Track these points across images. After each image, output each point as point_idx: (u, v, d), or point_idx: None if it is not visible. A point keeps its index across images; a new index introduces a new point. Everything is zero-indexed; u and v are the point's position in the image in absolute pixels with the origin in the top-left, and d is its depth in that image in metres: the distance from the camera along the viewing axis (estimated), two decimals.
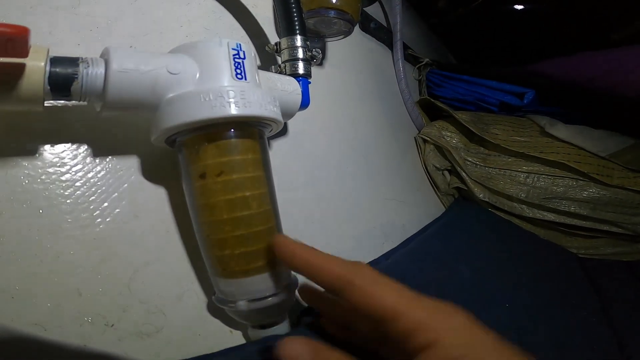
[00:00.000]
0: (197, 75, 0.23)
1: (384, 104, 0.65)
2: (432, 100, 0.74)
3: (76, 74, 0.20)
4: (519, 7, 1.14)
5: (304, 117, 0.42)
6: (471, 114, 0.72)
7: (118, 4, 0.30)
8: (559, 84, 0.72)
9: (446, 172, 0.70)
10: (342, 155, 0.49)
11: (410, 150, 0.68)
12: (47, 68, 0.19)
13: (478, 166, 0.66)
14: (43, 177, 0.23)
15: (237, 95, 0.23)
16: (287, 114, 0.33)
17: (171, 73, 0.23)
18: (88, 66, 0.21)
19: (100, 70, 0.21)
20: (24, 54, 0.18)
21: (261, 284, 0.24)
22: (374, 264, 0.46)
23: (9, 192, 0.21)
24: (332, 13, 0.41)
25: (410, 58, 0.80)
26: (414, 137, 0.70)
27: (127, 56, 0.22)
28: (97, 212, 0.24)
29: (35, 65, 0.19)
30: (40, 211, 0.22)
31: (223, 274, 0.24)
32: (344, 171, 0.48)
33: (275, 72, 0.35)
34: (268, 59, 0.41)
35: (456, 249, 0.51)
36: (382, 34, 0.70)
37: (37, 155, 0.23)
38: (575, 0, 1.09)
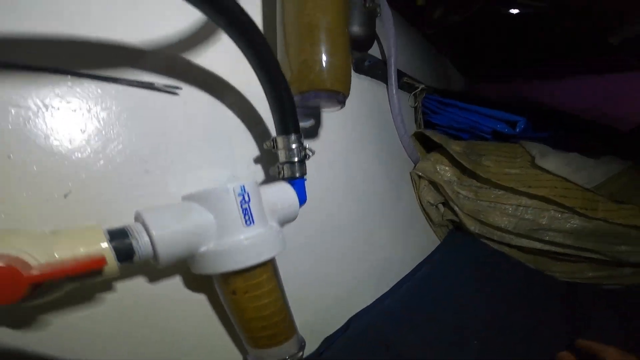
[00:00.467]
0: (215, 229, 0.29)
1: (381, 142, 0.68)
2: (427, 134, 0.77)
3: (132, 249, 0.25)
4: (514, 11, 1.13)
5: None
6: (465, 144, 0.75)
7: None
8: (550, 112, 0.74)
9: (440, 205, 0.74)
10: (338, 201, 0.54)
11: (406, 186, 0.72)
12: (113, 254, 0.24)
13: (470, 199, 0.70)
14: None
15: (251, 248, 0.29)
16: (289, 221, 0.37)
17: (197, 233, 0.28)
18: (137, 239, 0.25)
19: (146, 238, 0.26)
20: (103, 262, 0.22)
21: (281, 351, 0.33)
22: (370, 308, 0.52)
23: None
24: (323, 96, 0.44)
25: (406, 86, 0.82)
26: (410, 173, 0.74)
27: (159, 218, 0.27)
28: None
29: (109, 258, 0.23)
30: None
31: (255, 347, 0.33)
32: (340, 218, 0.53)
33: (274, 173, 0.39)
34: (268, 153, 0.43)
35: (445, 291, 0.57)
36: (376, 69, 0.72)
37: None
38: (572, 4, 1.07)
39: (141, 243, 0.25)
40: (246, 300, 0.31)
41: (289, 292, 0.35)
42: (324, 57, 0.39)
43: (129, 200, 0.30)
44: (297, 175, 0.38)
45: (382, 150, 0.68)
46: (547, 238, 0.67)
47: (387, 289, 0.56)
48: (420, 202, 0.72)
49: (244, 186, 0.30)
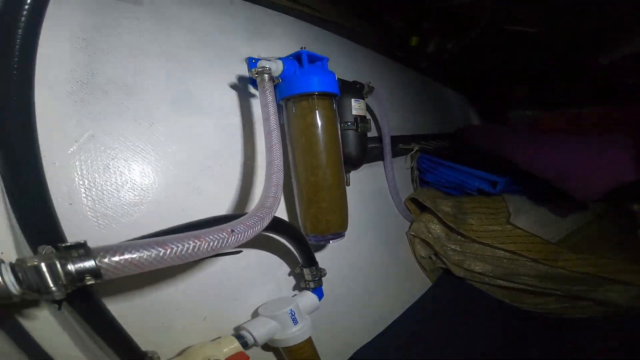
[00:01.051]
0: (280, 328, 0.53)
1: (380, 214, 0.87)
2: (419, 199, 0.94)
3: (247, 343, 0.48)
4: (502, 41, 1.22)
5: None
6: (453, 203, 0.92)
7: None
8: (526, 172, 0.88)
9: (432, 256, 0.92)
10: (349, 273, 0.75)
11: (402, 244, 0.91)
12: (241, 346, 0.47)
13: (456, 251, 0.88)
14: None
15: (299, 335, 0.54)
16: (314, 311, 0.60)
17: (272, 332, 0.52)
18: (249, 338, 0.49)
19: (251, 337, 0.50)
20: None
21: None
22: (367, 346, 0.73)
23: None
24: (330, 237, 0.62)
25: (402, 150, 0.98)
26: (406, 233, 0.92)
27: (254, 326, 0.50)
28: None
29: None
30: None
31: None
32: (351, 280, 0.74)
33: (303, 285, 0.61)
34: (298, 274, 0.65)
35: (433, 331, 0.78)
36: (373, 152, 0.89)
37: None
38: (564, 25, 1.14)
39: (250, 338, 0.50)
40: (294, 354, 0.55)
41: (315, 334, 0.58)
42: (327, 212, 0.58)
43: (227, 313, 0.53)
44: (316, 286, 0.60)
45: (382, 221, 0.87)
46: (519, 280, 0.84)
47: (384, 327, 0.77)
48: (415, 256, 0.91)
49: (292, 309, 0.53)
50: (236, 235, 0.31)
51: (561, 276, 0.81)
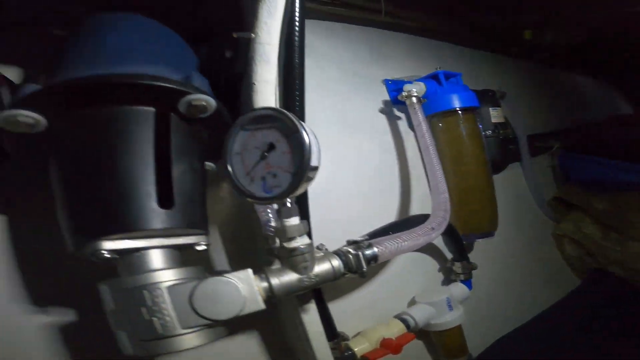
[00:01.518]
0: (436, 313, 0.63)
1: (522, 219, 0.87)
2: (565, 198, 0.90)
3: (409, 325, 0.61)
4: None
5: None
6: (608, 200, 0.85)
7: None
8: None
9: (584, 256, 0.87)
10: (500, 277, 0.79)
11: (548, 244, 0.89)
12: (406, 329, 0.61)
13: (616, 251, 0.82)
14: None
15: (454, 320, 0.63)
16: (465, 300, 0.67)
17: (430, 316, 0.62)
18: (411, 321, 0.61)
19: (412, 320, 0.61)
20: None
21: None
22: (508, 336, 0.75)
23: None
24: (482, 235, 0.70)
25: (540, 149, 0.95)
26: (551, 233, 0.90)
27: (416, 311, 0.62)
28: None
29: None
30: None
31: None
32: (498, 283, 0.79)
33: (454, 278, 0.69)
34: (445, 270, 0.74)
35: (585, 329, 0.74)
36: (510, 156, 0.89)
37: None
38: None
39: (412, 322, 0.61)
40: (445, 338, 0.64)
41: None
42: (478, 214, 0.66)
43: (388, 303, 0.66)
44: (466, 279, 0.68)
45: (523, 221, 0.88)
46: None
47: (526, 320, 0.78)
48: (564, 255, 0.88)
49: (448, 297, 0.62)
50: (435, 232, 0.43)
51: None
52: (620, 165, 0.85)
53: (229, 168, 0.31)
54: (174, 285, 0.27)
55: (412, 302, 0.69)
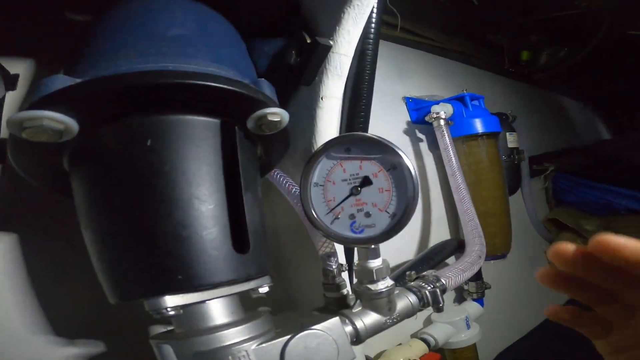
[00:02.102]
0: (455, 332, 0.61)
1: (519, 238, 0.90)
2: (559, 219, 0.94)
3: (429, 345, 0.59)
4: None
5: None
6: (599, 221, 0.90)
7: None
8: None
9: None
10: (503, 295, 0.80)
11: (540, 262, 0.93)
12: (428, 349, 0.58)
13: None
14: None
15: (470, 338, 0.61)
16: (479, 316, 0.67)
17: (450, 334, 0.60)
18: (432, 342, 0.59)
19: (432, 340, 0.59)
20: None
21: None
22: (510, 349, 0.77)
23: None
24: (497, 257, 0.70)
25: (537, 171, 0.99)
26: (544, 252, 0.93)
27: (436, 330, 0.60)
28: None
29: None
30: None
31: None
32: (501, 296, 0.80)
33: (467, 296, 0.69)
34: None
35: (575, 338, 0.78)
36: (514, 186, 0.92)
37: None
38: None
39: (432, 341, 0.59)
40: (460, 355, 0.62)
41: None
42: (495, 237, 0.66)
43: (404, 323, 0.64)
44: (479, 297, 0.68)
45: (520, 239, 0.90)
46: None
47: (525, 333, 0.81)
48: None
49: (467, 316, 0.61)
50: (482, 259, 0.41)
51: None
52: (611, 189, 0.90)
53: (307, 202, 0.26)
54: (260, 345, 0.21)
55: (428, 321, 0.68)
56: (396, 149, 0.24)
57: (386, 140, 0.25)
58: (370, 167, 0.25)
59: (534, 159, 0.98)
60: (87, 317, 0.41)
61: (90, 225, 0.23)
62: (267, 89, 0.28)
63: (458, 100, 0.68)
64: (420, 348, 0.60)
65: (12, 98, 0.43)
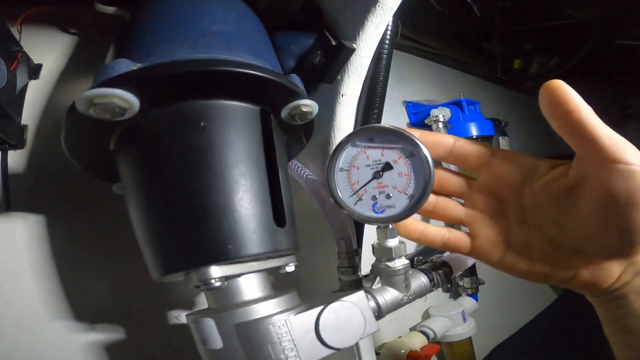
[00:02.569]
0: (452, 325, 0.64)
1: None
2: None
3: (429, 337, 0.62)
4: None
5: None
6: None
7: None
8: None
9: None
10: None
11: None
12: (427, 340, 0.61)
13: None
14: None
15: (464, 333, 0.63)
16: (474, 311, 0.70)
17: (447, 328, 0.63)
18: (430, 334, 0.62)
19: (431, 332, 0.62)
20: None
21: None
22: (499, 347, 0.81)
23: None
24: None
25: None
26: None
27: (435, 323, 0.63)
28: None
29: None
30: None
31: None
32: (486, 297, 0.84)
33: (463, 293, 0.72)
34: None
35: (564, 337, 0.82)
36: None
37: None
38: None
39: (431, 334, 0.62)
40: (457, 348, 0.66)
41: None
42: None
43: (403, 317, 0.67)
44: (473, 292, 0.71)
45: None
46: None
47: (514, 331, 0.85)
48: None
49: (463, 310, 0.64)
50: None
51: None
52: None
53: (334, 185, 0.29)
54: (296, 315, 0.24)
55: (426, 315, 0.71)
56: (415, 139, 0.28)
57: (406, 130, 0.28)
58: (391, 155, 0.28)
59: None
60: (108, 303, 0.42)
61: (141, 201, 0.25)
62: (299, 83, 0.31)
63: (455, 105, 0.72)
64: (420, 340, 0.63)
65: (33, 87, 0.45)
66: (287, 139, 0.35)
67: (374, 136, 0.29)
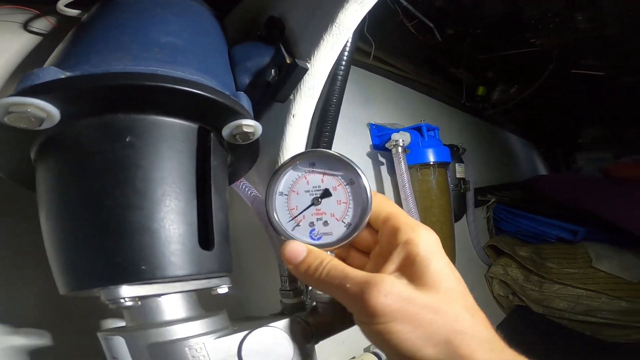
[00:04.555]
0: None
1: (462, 261, 0.98)
2: (498, 246, 1.04)
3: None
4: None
5: None
6: (531, 248, 1.01)
7: None
8: (606, 221, 0.96)
9: (510, 295, 1.01)
10: None
11: (480, 285, 1.01)
12: None
13: (535, 291, 0.96)
14: None
15: None
16: None
17: None
18: (383, 357, 0.61)
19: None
20: None
21: None
22: None
23: None
24: None
25: (480, 202, 1.10)
26: (484, 275, 1.02)
27: None
28: None
29: None
30: None
31: None
32: None
33: None
34: None
35: None
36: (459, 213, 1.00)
37: None
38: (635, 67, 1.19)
39: (383, 356, 0.61)
40: None
41: None
42: None
43: (358, 336, 0.66)
44: None
45: (462, 263, 0.98)
46: (600, 315, 0.89)
47: None
48: (493, 294, 1.00)
49: None
50: None
51: None
52: (543, 220, 1.02)
53: (272, 209, 0.29)
54: (217, 339, 0.23)
55: None
56: (355, 167, 0.28)
57: (347, 158, 0.28)
58: (331, 181, 0.28)
59: (479, 190, 1.09)
60: (32, 308, 0.38)
61: (54, 214, 0.23)
62: (245, 101, 0.31)
63: (416, 130, 0.75)
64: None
65: None
66: (233, 158, 0.34)
67: (315, 161, 0.29)
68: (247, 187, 0.39)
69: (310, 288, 0.30)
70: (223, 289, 0.28)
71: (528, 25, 1.04)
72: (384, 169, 0.77)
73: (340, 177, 0.28)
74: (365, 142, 0.78)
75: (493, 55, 1.22)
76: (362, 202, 0.27)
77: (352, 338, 0.67)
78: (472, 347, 0.20)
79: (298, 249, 0.26)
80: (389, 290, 0.21)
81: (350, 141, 0.75)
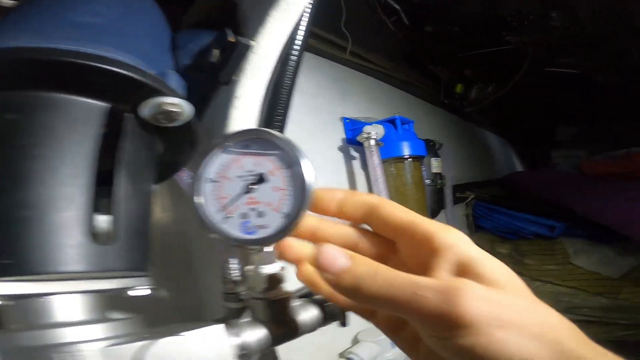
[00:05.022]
0: (381, 352, 0.60)
1: None
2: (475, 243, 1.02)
3: None
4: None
5: None
6: (510, 245, 1.00)
7: None
8: (583, 217, 0.95)
9: None
10: None
11: None
12: None
13: None
14: None
15: (393, 358, 0.60)
16: None
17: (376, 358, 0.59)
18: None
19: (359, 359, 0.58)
20: None
21: None
22: None
23: None
24: None
25: (459, 199, 1.08)
26: None
27: (367, 350, 0.59)
28: None
29: None
30: None
31: None
32: None
33: None
34: None
35: None
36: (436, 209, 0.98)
37: None
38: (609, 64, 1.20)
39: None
40: None
41: None
42: None
43: (332, 343, 0.62)
44: None
45: None
46: (581, 312, 0.88)
47: None
48: None
49: None
50: None
51: (625, 307, 0.85)
52: (520, 216, 1.01)
53: (198, 199, 0.24)
54: (107, 348, 0.19)
55: (355, 340, 0.67)
56: (294, 146, 0.24)
57: (284, 136, 0.24)
58: (266, 164, 0.24)
59: (458, 187, 1.07)
60: None
61: None
62: (174, 80, 0.27)
63: (389, 123, 0.72)
64: None
65: None
66: (169, 144, 0.30)
67: (250, 142, 0.25)
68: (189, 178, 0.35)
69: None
70: (137, 291, 0.24)
71: (505, 22, 1.04)
72: (356, 164, 0.74)
73: (277, 160, 0.24)
74: (340, 136, 0.75)
75: (471, 53, 1.21)
76: (303, 190, 0.24)
77: (327, 343, 0.64)
78: (575, 343, 0.18)
79: (337, 254, 0.21)
80: (477, 295, 0.17)
81: (325, 135, 0.72)
